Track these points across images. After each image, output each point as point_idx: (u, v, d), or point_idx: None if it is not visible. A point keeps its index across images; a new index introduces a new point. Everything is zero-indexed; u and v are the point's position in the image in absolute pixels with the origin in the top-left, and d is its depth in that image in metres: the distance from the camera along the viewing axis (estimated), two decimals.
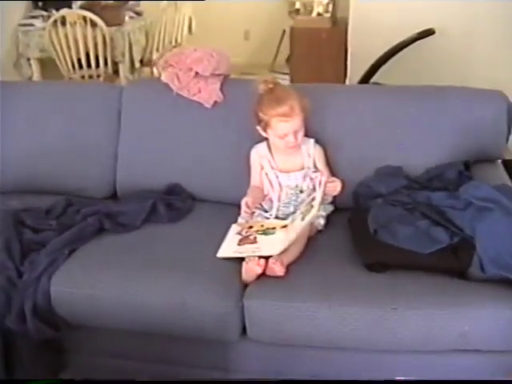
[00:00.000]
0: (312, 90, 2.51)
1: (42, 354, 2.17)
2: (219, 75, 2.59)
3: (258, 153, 2.45)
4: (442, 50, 4.08)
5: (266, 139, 2.42)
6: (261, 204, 2.43)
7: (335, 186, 2.29)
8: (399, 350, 2.03)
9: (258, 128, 2.36)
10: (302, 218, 2.17)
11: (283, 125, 2.28)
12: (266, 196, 2.45)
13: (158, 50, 5.31)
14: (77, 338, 2.24)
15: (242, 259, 2.13)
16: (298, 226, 2.15)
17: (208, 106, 2.56)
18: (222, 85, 2.59)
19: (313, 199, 2.22)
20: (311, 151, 2.42)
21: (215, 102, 2.56)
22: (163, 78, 2.61)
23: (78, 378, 2.25)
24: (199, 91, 2.56)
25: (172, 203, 2.49)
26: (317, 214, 2.18)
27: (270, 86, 2.32)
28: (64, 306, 2.11)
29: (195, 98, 2.56)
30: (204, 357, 2.19)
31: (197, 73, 2.54)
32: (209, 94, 2.55)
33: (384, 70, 4.16)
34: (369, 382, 2.14)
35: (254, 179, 2.47)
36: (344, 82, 4.59)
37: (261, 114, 2.31)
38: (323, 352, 2.09)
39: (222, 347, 2.14)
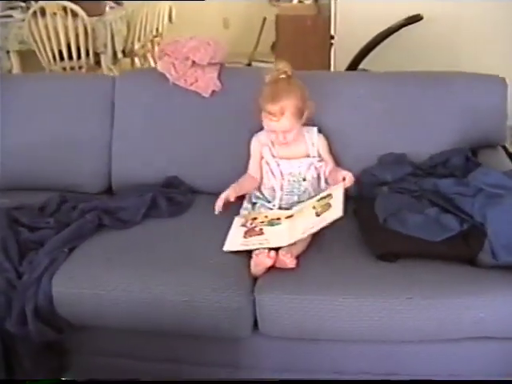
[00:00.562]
0: (312, 76, 2.44)
1: (44, 357, 2.09)
2: (216, 64, 2.53)
3: (260, 140, 2.39)
4: (430, 36, 4.05)
5: None
6: (262, 194, 2.38)
7: (351, 180, 2.20)
8: (415, 340, 2.00)
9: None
10: (317, 214, 2.11)
11: (269, 122, 2.23)
12: (260, 186, 2.40)
13: (139, 39, 5.22)
14: (79, 339, 2.16)
15: (250, 252, 2.08)
16: (316, 222, 2.07)
17: (206, 95, 2.50)
18: (219, 73, 2.52)
19: (327, 195, 2.17)
20: (315, 140, 2.37)
21: (213, 92, 2.50)
22: (159, 67, 2.54)
23: (80, 379, 2.18)
24: (196, 80, 2.49)
25: (172, 197, 2.41)
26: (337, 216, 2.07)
27: (282, 76, 2.24)
28: (66, 307, 2.04)
29: (192, 88, 2.50)
30: (213, 354, 2.13)
31: (193, 62, 2.47)
32: (206, 83, 2.49)
33: (371, 57, 4.12)
34: (371, 382, 2.12)
35: (252, 168, 2.42)
36: (329, 69, 4.54)
37: (259, 103, 2.24)
38: (337, 345, 2.04)
39: (232, 343, 2.08)
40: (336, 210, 2.06)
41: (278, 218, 2.21)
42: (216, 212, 2.25)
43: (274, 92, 2.21)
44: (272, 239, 2.09)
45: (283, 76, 2.24)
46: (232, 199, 2.26)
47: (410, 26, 4.00)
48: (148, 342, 2.15)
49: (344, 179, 2.19)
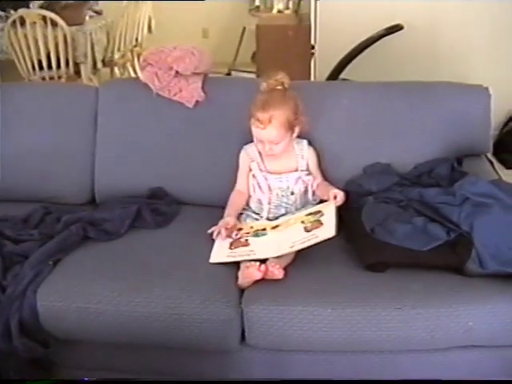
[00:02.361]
0: (294, 86, 2.40)
1: (30, 372, 2.04)
2: (200, 74, 2.51)
3: (248, 154, 2.36)
4: (410, 45, 4.07)
5: None
6: (249, 206, 2.37)
7: (342, 199, 2.19)
8: (404, 350, 2.00)
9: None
10: (307, 230, 2.09)
11: (256, 130, 2.22)
12: (249, 199, 2.38)
13: (119, 49, 5.19)
14: (66, 353, 2.12)
15: (237, 263, 2.07)
16: (306, 238, 2.05)
17: (190, 105, 2.48)
18: (203, 83, 2.51)
19: (317, 212, 2.17)
20: (305, 153, 2.35)
21: (197, 102, 2.48)
22: (142, 77, 2.51)
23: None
24: (180, 91, 2.47)
25: (157, 208, 2.40)
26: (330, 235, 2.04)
27: (279, 87, 2.24)
28: (52, 321, 2.00)
29: (176, 98, 2.48)
30: (202, 367, 2.11)
31: (177, 72, 2.45)
32: (190, 93, 2.47)
33: (351, 67, 4.13)
34: (368, 382, 2.11)
35: (241, 183, 2.39)
36: (309, 79, 4.54)
37: (251, 110, 2.23)
38: (326, 355, 2.03)
39: (220, 356, 2.06)
40: (329, 229, 2.04)
41: (264, 229, 2.20)
42: (215, 238, 2.19)
43: (267, 100, 2.20)
44: (258, 250, 2.08)
45: (279, 87, 2.24)
46: (232, 224, 2.24)
47: (390, 36, 4.01)
48: (136, 356, 2.12)
49: (335, 197, 2.18)
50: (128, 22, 5.22)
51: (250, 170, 2.35)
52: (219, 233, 2.19)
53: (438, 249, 2.01)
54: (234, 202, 2.35)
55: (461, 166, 2.38)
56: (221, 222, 2.23)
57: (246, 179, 2.37)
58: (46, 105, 2.63)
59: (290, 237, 2.09)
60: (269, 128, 2.17)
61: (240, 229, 2.24)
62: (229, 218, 2.25)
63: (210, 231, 2.21)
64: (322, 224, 2.09)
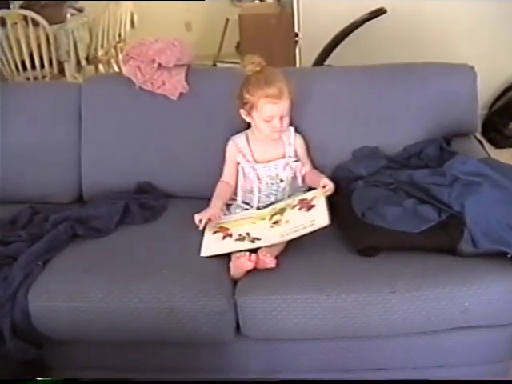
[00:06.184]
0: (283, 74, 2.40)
1: (24, 374, 2.03)
2: (183, 65, 2.49)
3: (236, 145, 2.33)
4: (394, 29, 4.05)
5: (247, 128, 2.34)
6: (237, 196, 2.34)
7: (330, 189, 2.17)
8: (400, 334, 1.98)
9: (242, 111, 2.25)
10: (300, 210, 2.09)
11: (271, 107, 2.18)
12: (235, 189, 2.35)
13: (102, 46, 5.16)
14: (60, 353, 2.12)
15: (228, 255, 2.05)
16: (297, 226, 2.05)
17: (174, 98, 2.45)
18: (186, 75, 2.48)
19: (310, 206, 2.14)
20: (292, 139, 2.34)
21: (181, 94, 2.45)
22: (124, 71, 2.48)
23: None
24: (163, 83, 2.44)
25: (145, 202, 2.37)
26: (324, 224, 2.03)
27: (258, 68, 2.21)
28: (45, 322, 1.98)
29: (160, 91, 2.45)
30: (197, 360, 2.10)
31: (160, 64, 2.43)
32: (174, 85, 2.44)
33: (336, 53, 4.11)
34: (369, 382, 2.11)
35: (227, 174, 2.36)
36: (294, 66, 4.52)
37: (247, 96, 2.20)
38: (323, 343, 2.02)
39: (216, 348, 2.05)
40: (322, 218, 2.03)
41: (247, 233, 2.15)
42: (200, 228, 2.17)
43: (265, 77, 2.19)
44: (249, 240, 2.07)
45: (259, 68, 2.22)
46: (213, 219, 2.20)
47: (374, 20, 3.99)
48: (130, 353, 2.11)
49: (324, 187, 2.16)
50: (110, 18, 5.18)
51: (238, 162, 2.33)
52: (204, 222, 2.17)
53: (429, 230, 1.99)
54: (222, 195, 2.32)
55: (449, 147, 2.37)
56: (208, 212, 2.19)
57: (233, 170, 2.34)
58: (29, 104, 2.60)
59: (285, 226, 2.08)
60: (283, 100, 2.18)
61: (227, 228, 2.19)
62: (214, 210, 2.21)
63: (197, 217, 2.17)
64: (314, 206, 2.09)
